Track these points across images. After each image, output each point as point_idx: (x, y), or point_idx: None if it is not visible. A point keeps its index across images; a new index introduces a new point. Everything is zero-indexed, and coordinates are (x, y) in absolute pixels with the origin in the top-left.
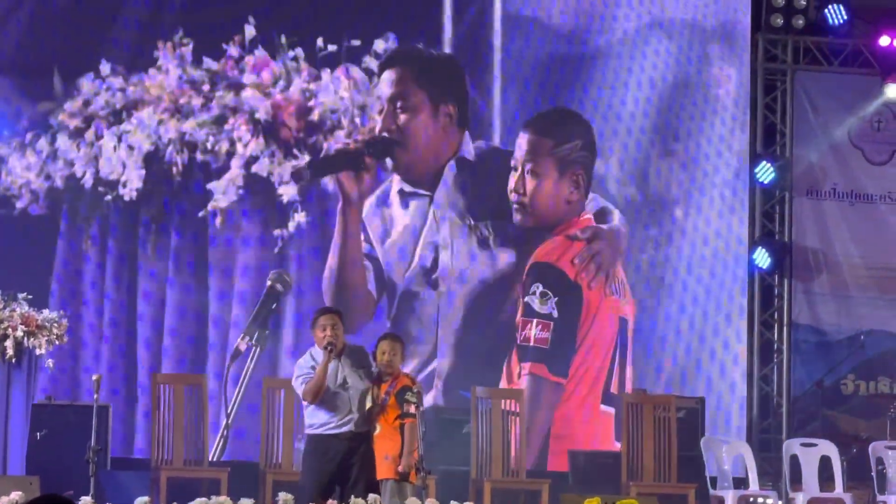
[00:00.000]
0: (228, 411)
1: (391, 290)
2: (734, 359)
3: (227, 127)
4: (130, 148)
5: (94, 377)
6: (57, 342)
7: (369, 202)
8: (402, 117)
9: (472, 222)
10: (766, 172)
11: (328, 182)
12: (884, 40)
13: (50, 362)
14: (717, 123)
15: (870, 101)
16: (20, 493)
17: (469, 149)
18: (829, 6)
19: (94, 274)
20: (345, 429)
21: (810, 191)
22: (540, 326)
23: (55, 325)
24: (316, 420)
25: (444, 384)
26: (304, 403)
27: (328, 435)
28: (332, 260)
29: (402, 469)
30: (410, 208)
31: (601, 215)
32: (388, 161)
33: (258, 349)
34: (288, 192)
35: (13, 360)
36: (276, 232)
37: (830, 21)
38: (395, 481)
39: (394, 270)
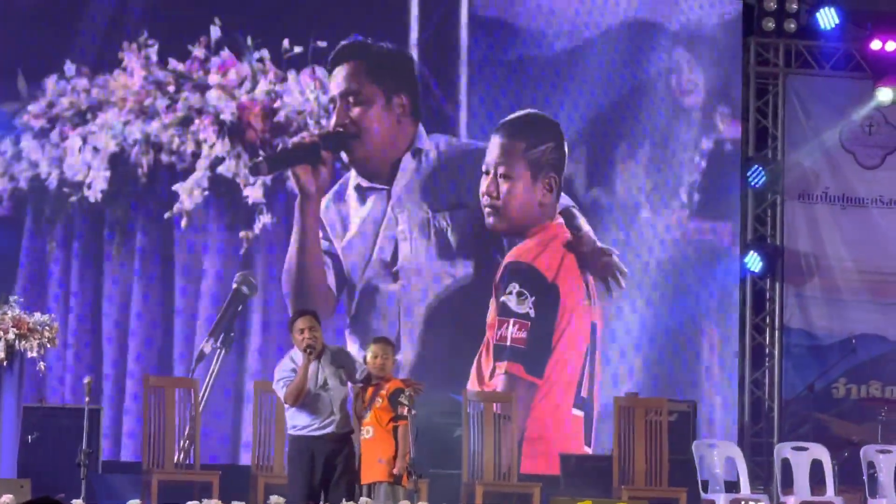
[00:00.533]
0: (192, 414)
1: (351, 286)
2: (727, 362)
3: (192, 128)
4: (95, 149)
5: (85, 380)
6: (48, 345)
7: (327, 199)
8: (356, 110)
9: (430, 214)
10: (757, 176)
11: (293, 183)
12: (875, 44)
13: (41, 365)
14: (684, 126)
15: (861, 105)
16: (11, 496)
17: (424, 140)
18: (821, 10)
19: (59, 275)
20: (327, 430)
21: (802, 194)
22: (517, 326)
23: (47, 328)
24: (298, 422)
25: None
26: (286, 406)
27: (311, 437)
28: (290, 255)
29: (397, 472)
30: (368, 203)
31: (567, 217)
32: (344, 155)
33: (223, 351)
34: (254, 193)
35: (4, 363)
36: (242, 234)
37: (822, 25)
38: (388, 484)
39: (353, 266)
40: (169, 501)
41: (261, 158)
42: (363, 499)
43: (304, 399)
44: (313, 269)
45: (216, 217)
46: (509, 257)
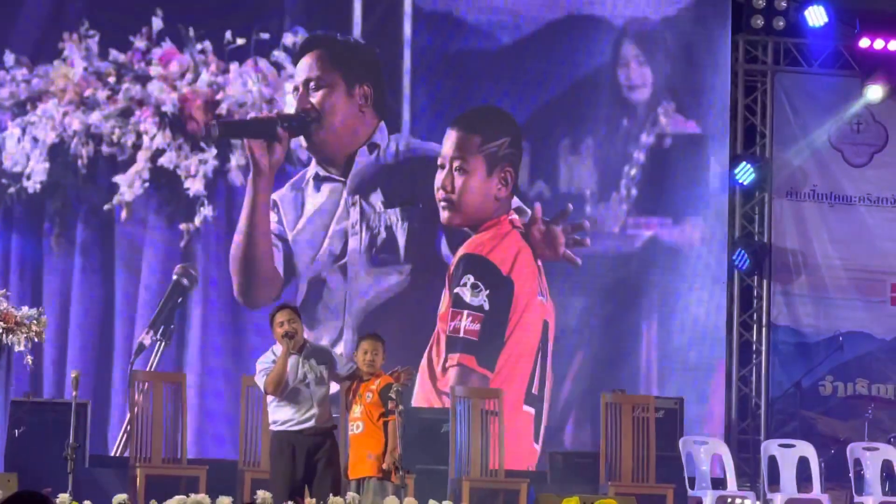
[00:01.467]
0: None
1: (300, 275)
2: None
3: (133, 119)
4: (35, 140)
5: (72, 374)
6: (36, 339)
7: (288, 185)
8: (317, 95)
9: (382, 209)
10: (745, 173)
11: (235, 176)
12: (864, 42)
13: (29, 359)
14: (627, 121)
15: (850, 103)
16: None
17: (383, 135)
18: (809, 8)
19: None
20: (306, 425)
21: (790, 192)
22: (470, 318)
23: (34, 321)
24: (279, 417)
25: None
26: (269, 400)
27: (292, 432)
28: (240, 230)
29: (386, 467)
30: (323, 192)
31: (518, 213)
32: (304, 140)
33: (163, 344)
34: (195, 185)
35: None
36: (183, 226)
37: (810, 23)
38: (377, 479)
39: (303, 255)
40: (155, 496)
41: (214, 122)
42: (351, 493)
43: (284, 393)
44: (261, 248)
45: (157, 209)
46: (463, 249)
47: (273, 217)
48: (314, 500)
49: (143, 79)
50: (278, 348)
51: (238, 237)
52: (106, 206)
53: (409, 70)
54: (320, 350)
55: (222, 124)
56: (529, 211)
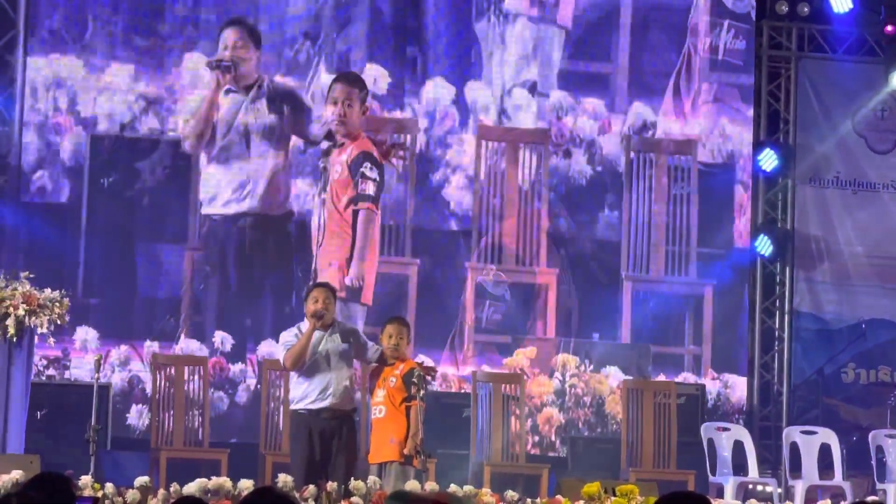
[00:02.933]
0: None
1: None
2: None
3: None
4: None
5: (94, 357)
6: (58, 321)
7: None
8: None
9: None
10: (769, 160)
11: None
12: (889, 29)
13: (51, 341)
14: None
15: (874, 90)
16: (21, 471)
17: None
18: None
19: None
20: (324, 404)
21: (813, 179)
22: (492, 309)
23: (56, 304)
24: (296, 393)
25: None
26: (290, 377)
27: (310, 412)
28: None
29: (408, 452)
30: None
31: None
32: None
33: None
34: None
35: (14, 339)
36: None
37: (835, 9)
38: (399, 464)
39: None
40: (177, 478)
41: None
42: (372, 478)
43: (304, 367)
44: None
45: None
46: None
47: None
48: (332, 483)
49: None
50: (305, 325)
51: None
52: None
53: None
54: (349, 331)
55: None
56: None
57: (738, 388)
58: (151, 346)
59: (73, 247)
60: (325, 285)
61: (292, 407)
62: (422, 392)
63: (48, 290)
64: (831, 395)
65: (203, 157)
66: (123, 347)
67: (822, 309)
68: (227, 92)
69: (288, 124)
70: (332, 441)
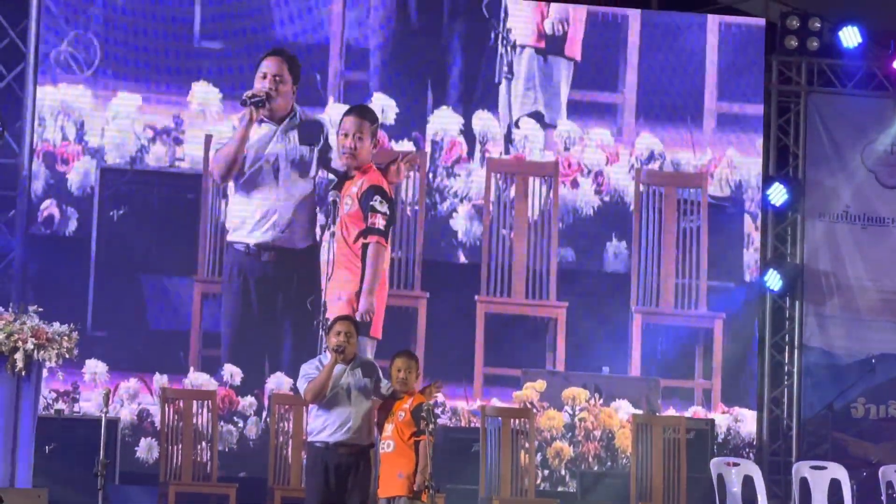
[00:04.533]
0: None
1: None
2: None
3: None
4: None
5: (102, 390)
6: (66, 355)
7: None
8: None
9: None
10: (778, 194)
11: None
12: None
13: (61, 375)
14: None
15: (884, 125)
16: None
17: None
18: (844, 29)
19: None
20: (342, 437)
21: (823, 213)
22: None
23: (65, 338)
24: (315, 425)
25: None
26: (308, 408)
27: (328, 445)
28: None
29: (417, 487)
30: None
31: None
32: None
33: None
34: None
35: (22, 373)
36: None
37: (845, 44)
38: (407, 499)
39: None
40: None
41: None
42: None
43: (324, 401)
44: None
45: None
46: None
47: None
48: None
49: None
50: (326, 357)
51: None
52: None
53: None
54: (369, 365)
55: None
56: None
57: (747, 422)
58: (161, 380)
59: (82, 279)
60: (348, 318)
61: (309, 439)
62: (431, 426)
63: (56, 324)
64: (841, 429)
65: (230, 186)
66: (132, 380)
67: (831, 344)
68: (260, 122)
69: (317, 156)
70: (349, 476)
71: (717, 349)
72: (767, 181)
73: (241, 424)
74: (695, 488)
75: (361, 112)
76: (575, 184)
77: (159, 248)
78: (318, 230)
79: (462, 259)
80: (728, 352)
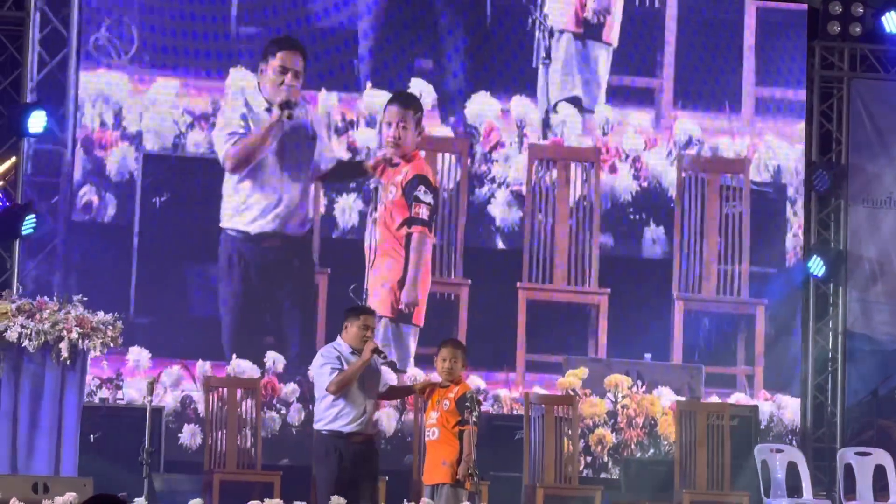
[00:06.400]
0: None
1: None
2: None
3: None
4: None
5: (147, 379)
6: (111, 344)
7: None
8: None
9: None
10: (822, 180)
11: None
12: None
13: (105, 363)
14: None
15: None
16: (75, 494)
17: None
18: (887, 14)
19: None
20: (358, 428)
21: (866, 199)
22: None
23: (110, 327)
24: (329, 414)
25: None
26: (320, 396)
27: (341, 435)
28: None
29: (460, 476)
30: None
31: None
32: None
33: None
34: None
35: (67, 362)
36: None
37: (888, 28)
38: (450, 486)
39: None
40: (230, 501)
41: None
42: (425, 500)
43: (344, 393)
44: None
45: None
46: None
47: None
48: None
49: None
50: (342, 345)
51: None
52: None
53: None
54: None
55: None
56: None
57: (791, 409)
58: (203, 366)
59: (124, 265)
60: (374, 312)
61: (323, 428)
62: (475, 415)
63: (101, 313)
64: (886, 416)
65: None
66: (175, 367)
67: (875, 329)
68: (269, 110)
69: (319, 145)
70: (362, 465)
71: (760, 335)
72: (810, 167)
73: (283, 411)
74: (739, 475)
75: (405, 100)
76: (613, 169)
77: (201, 234)
78: (316, 215)
79: (500, 245)
80: (770, 338)
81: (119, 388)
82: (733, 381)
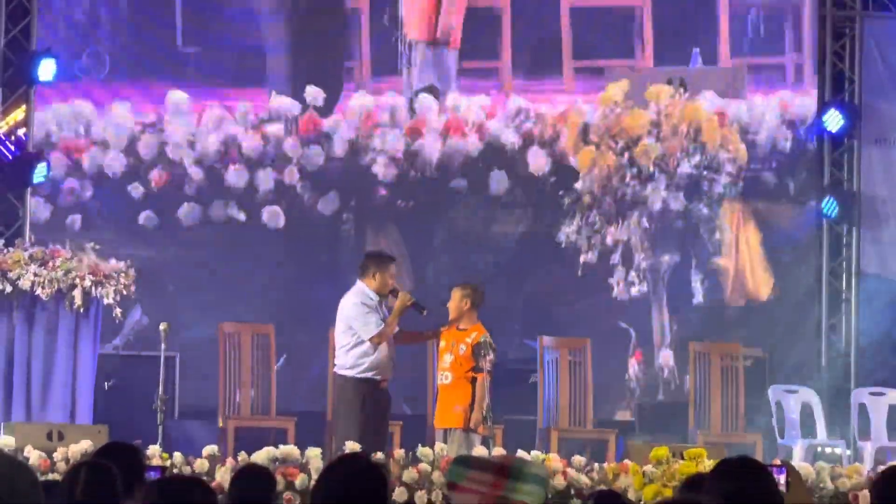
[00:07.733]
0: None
1: None
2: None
3: None
4: None
5: (161, 327)
6: (124, 291)
7: None
8: None
9: None
10: (834, 120)
11: None
12: None
13: (118, 311)
14: None
15: None
16: (90, 441)
17: None
18: None
19: None
20: (386, 374)
21: (879, 139)
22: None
23: (122, 274)
24: (363, 361)
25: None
26: (355, 341)
27: (372, 382)
28: None
29: (473, 424)
30: None
31: None
32: None
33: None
34: None
35: (81, 310)
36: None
37: None
38: (462, 431)
39: None
40: (245, 447)
41: None
42: (439, 444)
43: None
44: None
45: None
46: None
47: None
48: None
49: None
50: (370, 293)
51: None
52: None
53: None
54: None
55: None
56: None
57: (805, 349)
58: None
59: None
60: (395, 259)
61: (357, 374)
62: (489, 362)
63: (113, 261)
64: None
65: None
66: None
67: (889, 270)
68: None
69: None
70: (386, 410)
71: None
72: (823, 107)
73: (326, 146)
74: (753, 416)
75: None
76: None
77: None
78: None
79: None
80: (793, 277)
81: (162, 131)
82: (782, 74)
